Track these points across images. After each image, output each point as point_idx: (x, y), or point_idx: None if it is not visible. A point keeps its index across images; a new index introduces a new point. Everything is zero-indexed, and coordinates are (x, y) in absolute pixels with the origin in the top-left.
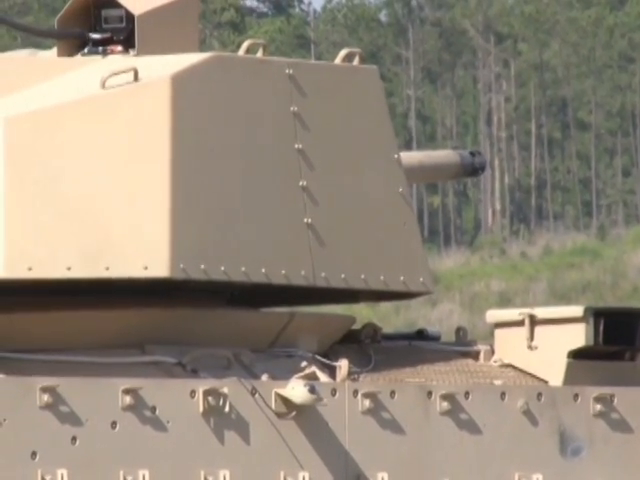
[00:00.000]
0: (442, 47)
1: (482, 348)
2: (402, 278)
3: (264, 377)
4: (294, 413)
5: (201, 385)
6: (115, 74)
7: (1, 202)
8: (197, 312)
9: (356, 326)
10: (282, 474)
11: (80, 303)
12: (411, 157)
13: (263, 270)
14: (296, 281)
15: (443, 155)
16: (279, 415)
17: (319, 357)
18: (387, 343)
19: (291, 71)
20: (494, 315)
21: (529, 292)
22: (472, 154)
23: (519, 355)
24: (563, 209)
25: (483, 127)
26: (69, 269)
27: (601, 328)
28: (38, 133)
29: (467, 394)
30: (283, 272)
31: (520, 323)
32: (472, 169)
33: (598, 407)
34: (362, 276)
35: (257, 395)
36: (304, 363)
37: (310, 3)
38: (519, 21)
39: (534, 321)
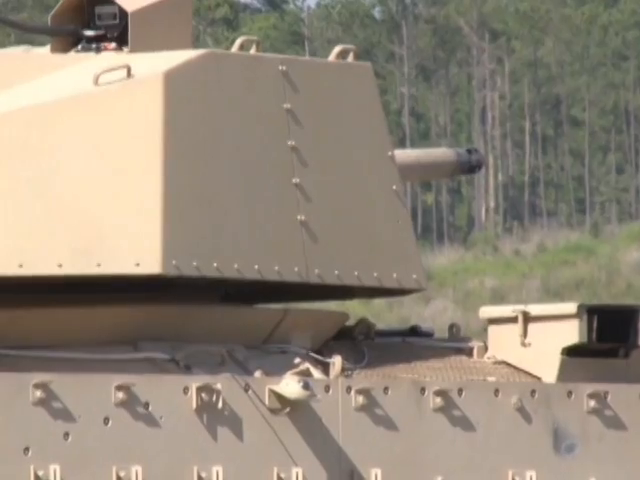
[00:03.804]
0: (436, 44)
1: (476, 345)
2: (395, 275)
3: (257, 373)
4: (288, 409)
5: (194, 381)
6: (108, 71)
7: None
8: (190, 308)
9: (349, 323)
10: (275, 470)
11: (72, 300)
12: (408, 155)
13: (256, 267)
14: (289, 278)
15: (440, 153)
16: (272, 411)
17: (313, 353)
18: (380, 340)
19: (284, 68)
20: (487, 312)
21: (523, 289)
22: (469, 152)
23: (513, 352)
24: (556, 206)
25: (477, 124)
26: (60, 266)
27: (595, 325)
28: (30, 129)
29: (460, 391)
30: (276, 269)
31: (514, 320)
32: (469, 167)
33: (592, 404)
34: (355, 273)
35: (250, 391)
36: (298, 359)
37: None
38: (513, 18)
39: (528, 318)
